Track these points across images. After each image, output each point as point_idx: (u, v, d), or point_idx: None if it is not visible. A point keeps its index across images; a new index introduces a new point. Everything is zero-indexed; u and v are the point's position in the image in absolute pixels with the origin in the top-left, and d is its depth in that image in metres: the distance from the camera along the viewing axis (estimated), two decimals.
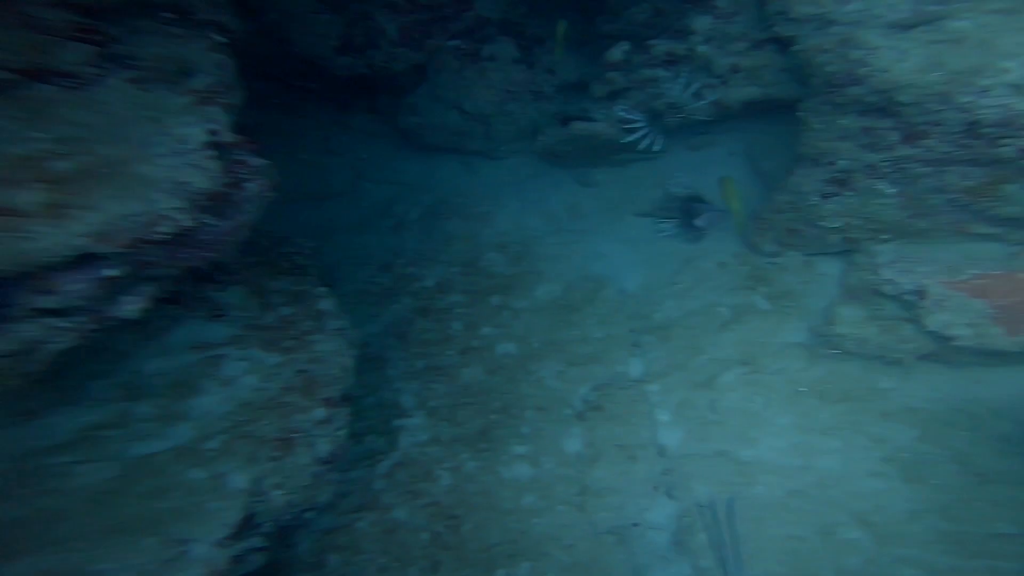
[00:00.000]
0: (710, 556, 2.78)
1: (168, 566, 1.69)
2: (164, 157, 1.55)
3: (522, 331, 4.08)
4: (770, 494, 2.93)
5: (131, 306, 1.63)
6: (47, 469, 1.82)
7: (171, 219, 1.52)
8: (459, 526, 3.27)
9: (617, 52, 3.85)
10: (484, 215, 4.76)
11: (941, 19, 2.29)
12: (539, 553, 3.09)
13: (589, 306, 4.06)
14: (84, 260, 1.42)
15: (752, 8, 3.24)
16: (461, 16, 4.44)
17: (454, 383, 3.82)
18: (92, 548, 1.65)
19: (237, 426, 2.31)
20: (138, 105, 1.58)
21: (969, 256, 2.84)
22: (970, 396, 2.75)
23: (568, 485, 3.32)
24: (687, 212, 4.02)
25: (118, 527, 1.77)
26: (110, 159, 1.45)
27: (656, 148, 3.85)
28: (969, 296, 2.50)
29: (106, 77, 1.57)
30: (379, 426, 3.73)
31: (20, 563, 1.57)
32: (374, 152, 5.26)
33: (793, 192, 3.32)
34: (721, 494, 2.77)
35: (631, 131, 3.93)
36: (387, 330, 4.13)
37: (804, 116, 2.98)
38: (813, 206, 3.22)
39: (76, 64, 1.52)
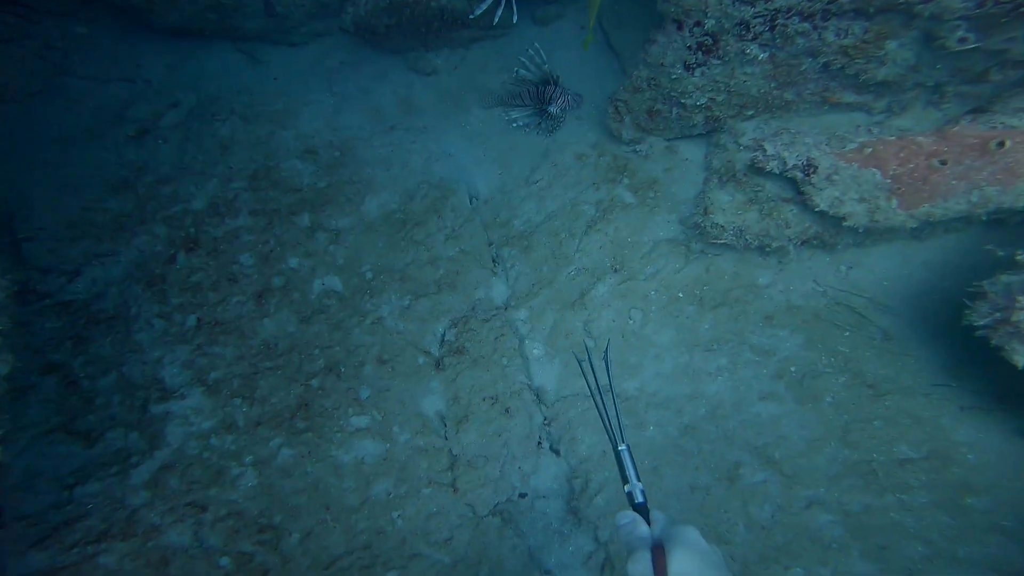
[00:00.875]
0: (607, 523, 2.26)
1: None
2: None
3: (348, 259, 3.03)
4: (663, 436, 2.50)
5: None
6: None
7: None
8: (279, 540, 2.27)
9: None
10: (279, 114, 3.45)
11: None
12: (406, 557, 2.27)
13: (435, 218, 3.17)
14: None
15: None
16: None
17: (248, 342, 2.66)
18: None
19: None
20: None
21: (831, 129, 2.63)
22: (849, 285, 2.60)
23: (433, 459, 2.52)
24: (540, 98, 3.30)
25: None
26: None
27: (515, 20, 2.98)
28: (861, 167, 2.17)
29: None
30: (127, 416, 2.42)
31: None
32: (84, 36, 3.47)
33: (653, 65, 2.78)
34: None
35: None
36: (129, 274, 2.72)
37: None
38: (676, 80, 2.71)
39: None
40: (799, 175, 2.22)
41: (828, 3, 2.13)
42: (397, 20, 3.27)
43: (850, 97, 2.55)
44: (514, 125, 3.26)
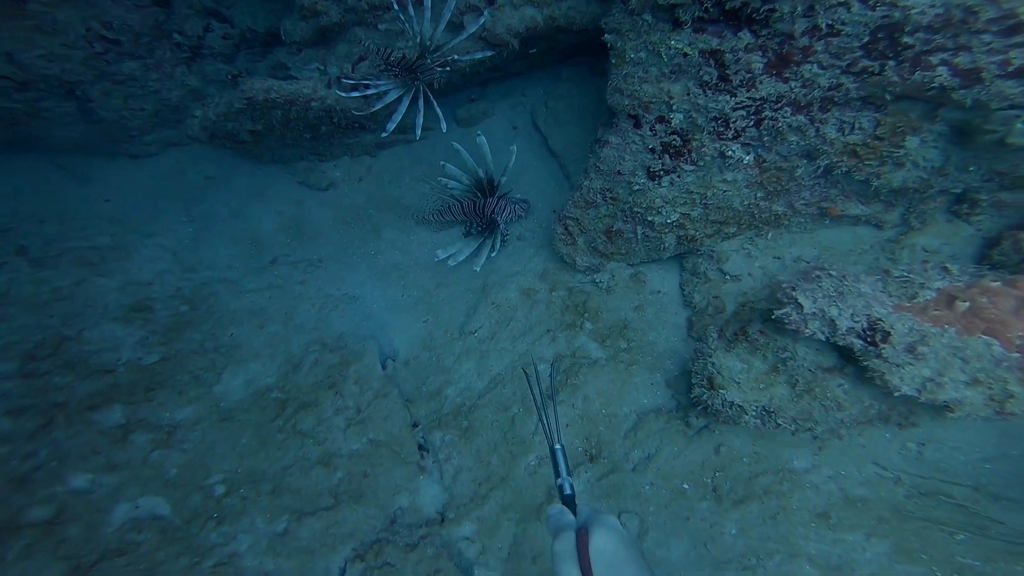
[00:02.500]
0: None
1: None
2: None
3: (185, 468, 1.97)
4: None
5: None
6: None
7: None
8: None
9: None
10: (101, 252, 2.43)
11: None
12: None
13: (330, 395, 2.22)
14: None
15: None
16: None
17: None
18: None
19: None
20: None
21: (833, 247, 2.09)
22: (931, 469, 1.83)
23: None
24: (476, 212, 2.57)
25: None
26: None
27: (443, 129, 2.24)
28: (962, 332, 1.39)
29: None
30: None
31: None
32: None
33: (608, 174, 2.16)
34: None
35: (371, 96, 2.28)
36: None
37: (613, 40, 1.81)
38: (638, 192, 2.09)
39: None
40: (858, 343, 1.55)
41: (828, 90, 1.60)
42: (266, 125, 2.46)
43: (856, 208, 2.02)
44: (449, 263, 2.46)
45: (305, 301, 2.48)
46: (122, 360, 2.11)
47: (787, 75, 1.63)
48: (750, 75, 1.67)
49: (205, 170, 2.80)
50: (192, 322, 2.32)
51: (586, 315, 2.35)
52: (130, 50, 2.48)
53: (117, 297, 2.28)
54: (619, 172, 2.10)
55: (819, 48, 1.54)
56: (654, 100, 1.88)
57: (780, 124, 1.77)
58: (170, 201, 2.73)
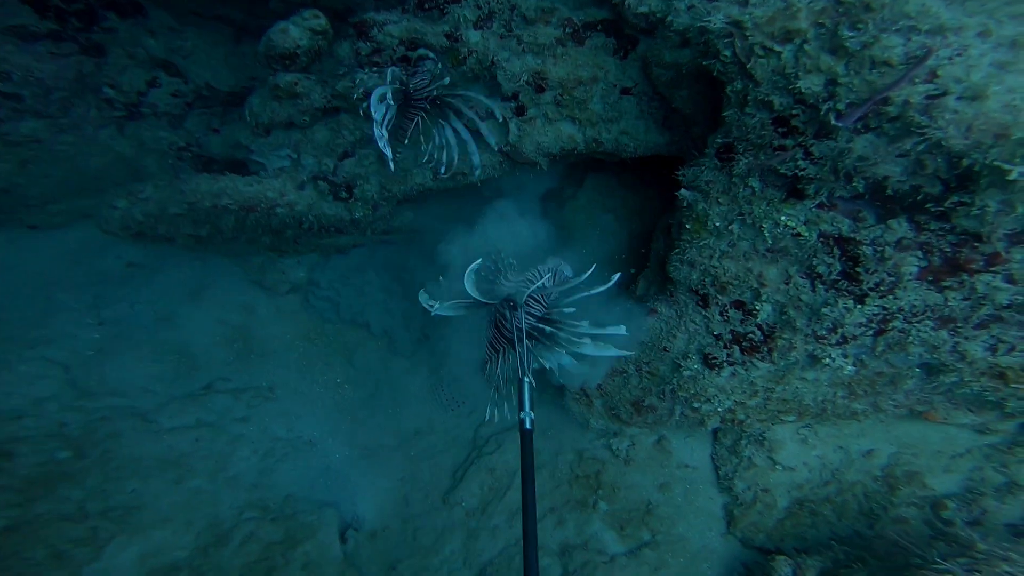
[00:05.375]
0: None
1: None
2: None
3: None
4: None
5: None
6: None
7: None
8: None
9: (296, 33, 1.74)
10: None
11: None
12: None
13: None
14: None
15: None
16: None
17: None
18: None
19: None
20: None
21: (914, 446, 1.79)
22: None
23: None
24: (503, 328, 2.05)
25: None
26: None
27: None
28: None
29: None
30: None
31: None
32: None
33: (649, 345, 1.78)
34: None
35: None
36: None
37: (693, 200, 1.45)
38: (690, 378, 1.72)
39: None
40: None
41: (1003, 308, 1.27)
42: (213, 230, 1.92)
43: (964, 418, 1.71)
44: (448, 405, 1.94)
45: (245, 446, 1.93)
46: None
47: (949, 285, 1.27)
48: (893, 278, 1.29)
49: (127, 254, 2.20)
50: (71, 475, 1.70)
51: (600, 491, 1.95)
52: (34, 106, 1.90)
53: None
54: (665, 349, 1.74)
55: (1017, 257, 1.21)
56: (735, 281, 1.54)
57: (910, 337, 1.43)
58: (74, 293, 2.11)
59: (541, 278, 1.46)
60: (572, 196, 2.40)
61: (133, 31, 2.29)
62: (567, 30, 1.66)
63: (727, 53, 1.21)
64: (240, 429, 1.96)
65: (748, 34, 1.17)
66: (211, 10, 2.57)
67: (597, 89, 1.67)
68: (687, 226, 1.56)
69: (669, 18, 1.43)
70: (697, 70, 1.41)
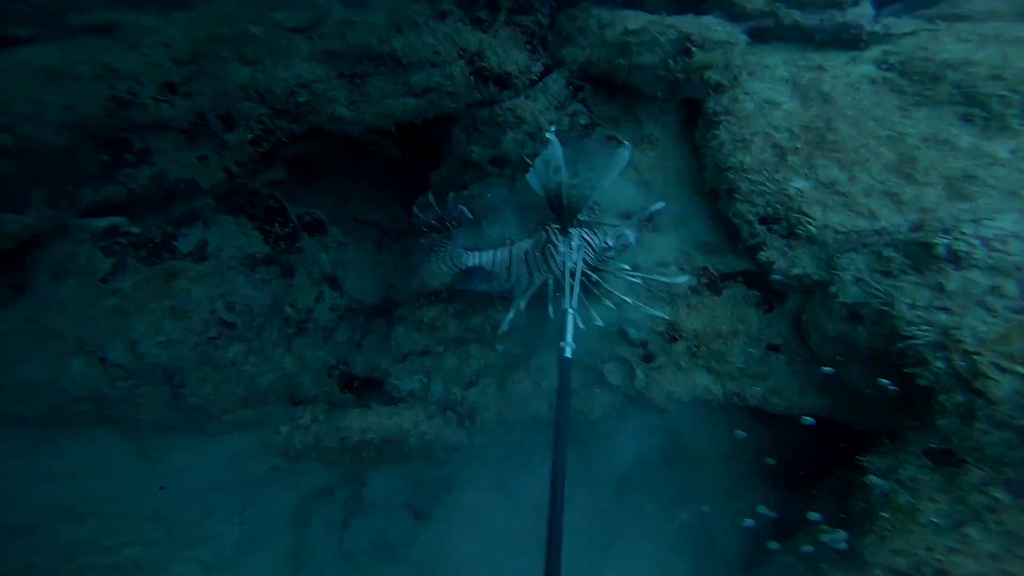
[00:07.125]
0: None
1: None
2: None
3: None
4: None
5: None
6: None
7: None
8: None
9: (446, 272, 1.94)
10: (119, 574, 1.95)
11: None
12: None
13: None
14: None
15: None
16: None
17: None
18: None
19: None
20: None
21: None
22: None
23: None
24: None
25: None
26: None
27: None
28: None
29: None
30: None
31: None
32: None
33: None
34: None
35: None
36: None
37: (889, 489, 1.15)
38: None
39: None
40: None
41: None
42: (354, 458, 2.00)
43: None
44: None
45: None
46: None
47: None
48: None
49: (273, 459, 2.40)
50: None
51: None
52: (242, 333, 2.29)
53: None
54: None
55: None
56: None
57: None
58: (227, 494, 2.31)
59: (607, 236, 1.64)
60: None
61: (313, 249, 2.72)
62: (702, 280, 1.61)
63: (940, 365, 1.02)
64: None
65: (967, 349, 0.98)
66: (365, 214, 2.99)
67: (738, 343, 1.54)
68: (885, 515, 1.25)
69: (833, 288, 1.31)
70: (877, 354, 1.22)
